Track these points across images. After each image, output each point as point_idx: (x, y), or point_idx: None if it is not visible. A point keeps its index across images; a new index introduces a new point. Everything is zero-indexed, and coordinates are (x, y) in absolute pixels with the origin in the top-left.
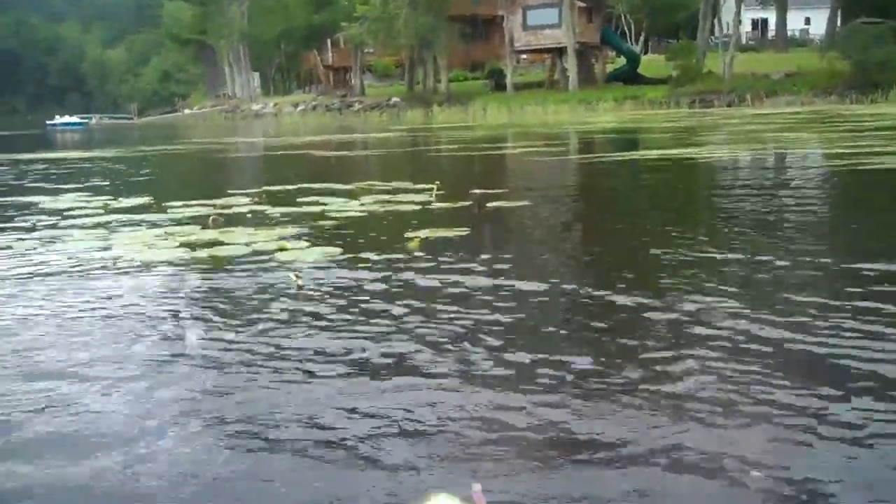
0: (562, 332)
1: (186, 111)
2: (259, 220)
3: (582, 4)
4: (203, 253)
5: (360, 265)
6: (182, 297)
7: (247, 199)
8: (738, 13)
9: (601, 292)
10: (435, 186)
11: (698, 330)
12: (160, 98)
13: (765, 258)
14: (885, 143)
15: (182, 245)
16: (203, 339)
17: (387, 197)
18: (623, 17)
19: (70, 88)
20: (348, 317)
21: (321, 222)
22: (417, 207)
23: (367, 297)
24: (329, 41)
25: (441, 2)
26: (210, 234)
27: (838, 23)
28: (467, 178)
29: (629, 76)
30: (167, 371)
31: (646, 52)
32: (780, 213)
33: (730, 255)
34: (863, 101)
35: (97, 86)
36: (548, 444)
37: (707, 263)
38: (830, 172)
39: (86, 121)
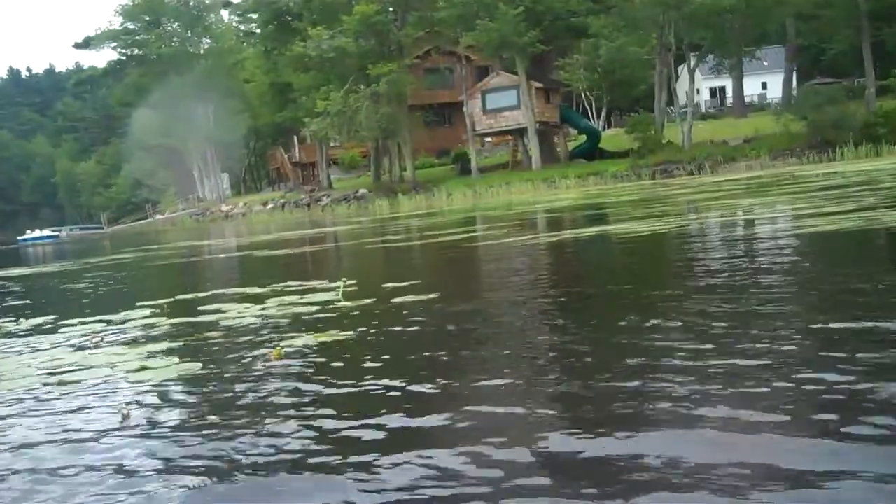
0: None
1: (157, 216)
2: (143, 336)
3: (539, 86)
4: (52, 380)
5: (206, 383)
6: None
7: (149, 311)
8: (692, 82)
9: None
10: (342, 284)
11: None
12: (133, 206)
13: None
14: (821, 205)
15: (37, 370)
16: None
17: (294, 298)
18: (584, 94)
19: (43, 203)
20: (161, 438)
21: (207, 334)
22: (317, 308)
23: (193, 419)
24: (296, 137)
25: (401, 93)
26: (76, 357)
27: (794, 85)
28: (391, 271)
29: (591, 152)
30: None
31: (608, 127)
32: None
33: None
34: (820, 160)
35: (68, 198)
36: None
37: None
38: (745, 240)
39: (56, 234)
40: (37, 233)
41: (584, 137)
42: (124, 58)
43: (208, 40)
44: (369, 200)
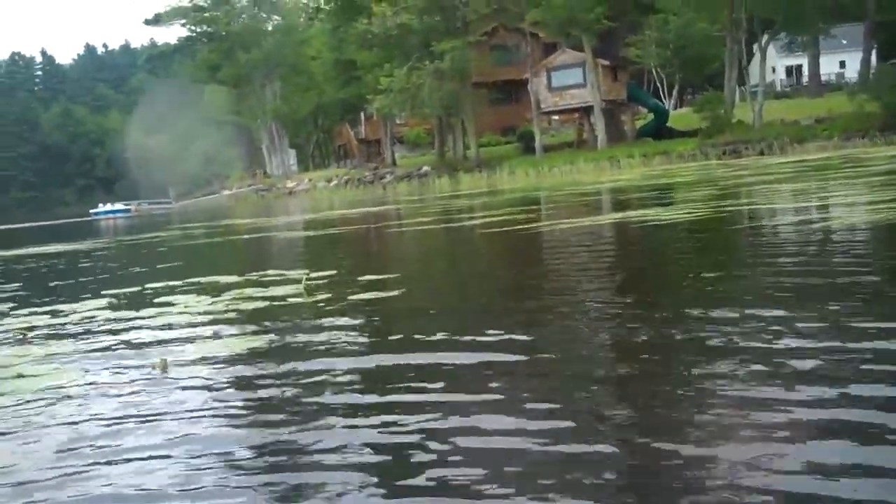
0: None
1: (225, 192)
2: (66, 334)
3: (606, 63)
4: None
5: (67, 399)
6: None
7: (105, 302)
8: (763, 60)
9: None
10: (304, 278)
11: None
12: (202, 180)
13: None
14: (863, 193)
15: None
16: None
17: (255, 290)
18: (654, 72)
19: (118, 177)
20: None
21: (130, 334)
22: (267, 304)
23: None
24: (362, 114)
25: (464, 70)
26: None
27: (873, 64)
28: (380, 261)
29: (657, 131)
30: None
31: (680, 106)
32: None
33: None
34: (892, 142)
35: (142, 173)
36: None
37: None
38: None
39: (128, 208)
40: (108, 206)
41: (652, 116)
42: (194, 34)
43: (276, 17)
44: (431, 178)
